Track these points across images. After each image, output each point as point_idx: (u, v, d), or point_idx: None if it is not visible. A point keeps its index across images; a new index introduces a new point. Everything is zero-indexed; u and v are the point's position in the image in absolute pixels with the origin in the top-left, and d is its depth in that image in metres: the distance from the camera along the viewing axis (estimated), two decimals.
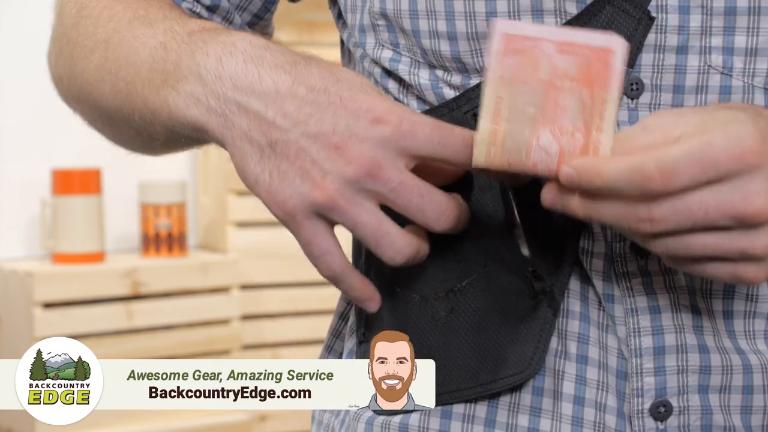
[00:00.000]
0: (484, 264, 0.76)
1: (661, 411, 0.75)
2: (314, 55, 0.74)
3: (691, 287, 0.76)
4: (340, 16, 0.87)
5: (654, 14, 0.73)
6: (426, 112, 0.78)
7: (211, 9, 0.88)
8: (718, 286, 0.76)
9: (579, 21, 0.73)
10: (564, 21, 0.74)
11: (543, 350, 0.76)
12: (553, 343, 0.77)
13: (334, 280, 0.73)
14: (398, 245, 0.71)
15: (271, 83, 0.70)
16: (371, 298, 0.75)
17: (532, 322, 0.75)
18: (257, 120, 0.70)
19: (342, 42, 0.89)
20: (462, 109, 0.76)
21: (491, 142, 0.68)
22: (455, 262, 0.77)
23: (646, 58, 0.73)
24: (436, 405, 0.76)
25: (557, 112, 0.68)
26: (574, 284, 0.76)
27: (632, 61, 0.73)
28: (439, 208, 0.71)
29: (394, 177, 0.69)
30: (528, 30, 0.68)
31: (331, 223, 0.72)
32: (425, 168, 0.72)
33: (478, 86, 0.76)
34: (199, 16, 0.87)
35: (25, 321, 2.40)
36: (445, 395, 0.78)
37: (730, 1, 0.73)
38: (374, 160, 0.69)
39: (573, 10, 0.74)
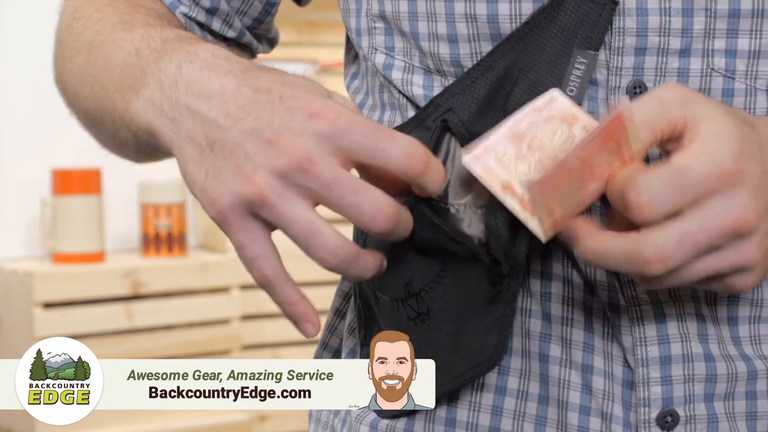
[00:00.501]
0: (443, 259, 0.75)
1: (668, 420, 0.75)
2: (277, 69, 0.72)
3: (696, 295, 0.75)
4: None
5: (658, 18, 0.73)
6: (399, 127, 0.77)
7: (211, 12, 0.88)
8: (722, 294, 0.76)
9: (544, 13, 0.73)
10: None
11: (505, 337, 0.75)
12: (558, 352, 0.77)
13: (267, 288, 0.69)
14: (330, 246, 0.67)
15: (219, 86, 0.69)
16: (308, 319, 0.70)
17: (494, 310, 0.74)
18: (201, 121, 0.69)
19: (347, 39, 0.88)
20: (431, 117, 0.75)
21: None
22: (417, 262, 0.76)
23: (649, 61, 0.73)
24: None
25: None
26: (578, 294, 0.76)
27: (597, 45, 0.73)
28: (375, 206, 0.66)
29: (327, 172, 0.66)
30: (488, 143, 0.69)
31: (269, 226, 0.68)
32: (374, 177, 0.69)
33: (446, 92, 0.75)
34: (196, 21, 0.88)
35: (25, 321, 2.40)
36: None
37: (734, 3, 0.72)
38: (306, 154, 0.66)
39: None
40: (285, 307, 0.70)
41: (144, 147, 0.78)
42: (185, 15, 0.87)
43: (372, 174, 0.69)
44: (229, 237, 0.69)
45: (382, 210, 0.67)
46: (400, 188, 0.70)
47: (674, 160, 0.66)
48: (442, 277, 0.75)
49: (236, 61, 0.71)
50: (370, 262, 0.69)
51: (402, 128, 0.77)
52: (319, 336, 0.79)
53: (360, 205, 0.66)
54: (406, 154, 0.67)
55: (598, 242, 0.67)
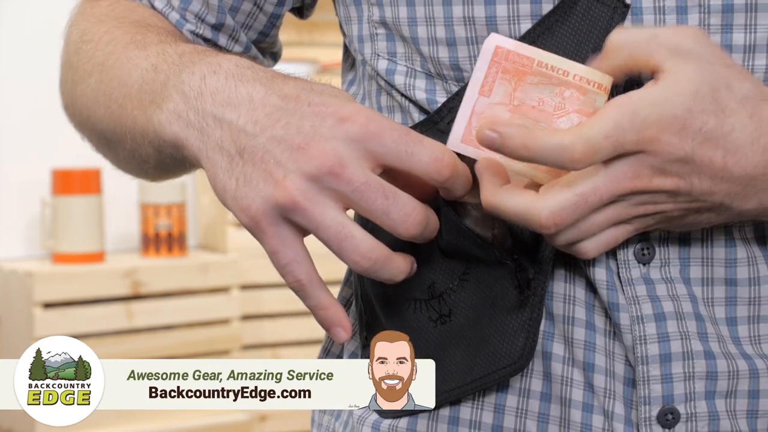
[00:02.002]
0: (467, 262, 0.76)
1: (668, 418, 0.75)
2: (301, 77, 0.73)
3: (693, 296, 0.76)
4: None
5: (652, 16, 0.73)
6: (413, 128, 0.77)
7: (216, 28, 0.88)
8: (719, 294, 0.76)
9: (555, 15, 0.74)
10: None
11: (533, 341, 0.75)
12: (560, 350, 0.77)
13: (300, 293, 0.70)
14: (362, 249, 0.68)
15: (246, 94, 0.70)
16: (340, 324, 0.71)
17: (521, 313, 0.75)
18: (229, 129, 0.69)
19: (345, 47, 0.89)
20: (445, 120, 0.76)
21: None
22: (440, 263, 0.76)
23: None
24: (436, 405, 0.76)
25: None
26: (580, 293, 0.76)
27: None
28: (405, 211, 0.68)
29: (358, 177, 0.67)
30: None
31: (301, 231, 0.69)
32: (401, 180, 0.70)
33: (458, 94, 0.76)
34: (203, 37, 0.88)
35: (25, 321, 2.39)
36: (444, 394, 0.78)
37: None
38: (337, 158, 0.67)
39: None
40: (317, 312, 0.71)
41: (167, 161, 0.78)
42: (192, 32, 0.88)
43: (400, 178, 0.70)
44: (262, 243, 0.70)
45: (411, 214, 0.68)
46: (427, 192, 0.71)
47: (623, 98, 0.68)
48: (465, 280, 0.76)
49: (260, 69, 0.72)
50: (402, 264, 0.70)
51: (415, 128, 0.77)
52: (322, 337, 0.79)
53: (390, 209, 0.67)
54: (434, 158, 0.68)
55: (498, 198, 0.69)
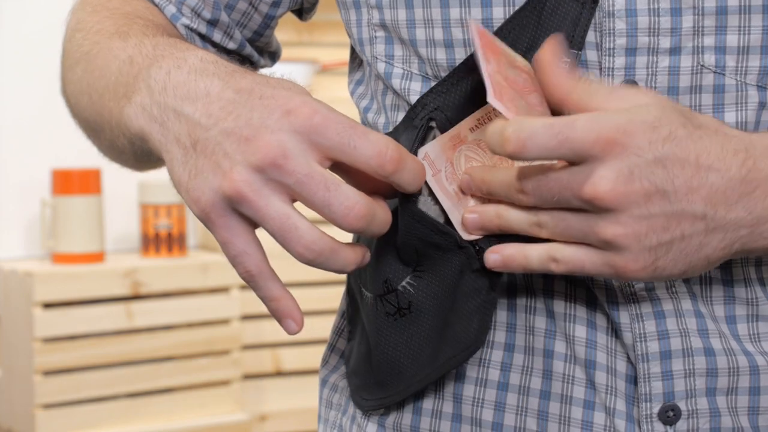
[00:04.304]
0: (421, 254, 0.75)
1: (669, 415, 0.75)
2: (263, 74, 0.73)
3: (692, 293, 0.76)
4: None
5: (647, 18, 0.74)
6: (392, 131, 0.78)
7: (212, 23, 0.89)
8: (717, 293, 0.77)
9: (526, 10, 0.74)
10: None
11: (487, 322, 0.76)
12: (562, 348, 0.77)
13: (251, 283, 0.70)
14: (306, 240, 0.67)
15: (204, 88, 0.70)
16: (290, 316, 0.71)
17: (477, 296, 0.76)
18: (187, 123, 0.70)
19: (352, 47, 0.90)
20: (419, 116, 0.76)
21: None
22: (395, 258, 0.77)
23: (640, 61, 0.74)
24: (405, 396, 0.79)
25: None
26: (580, 292, 0.77)
27: (580, 44, 0.74)
28: (346, 204, 0.67)
29: (300, 168, 0.66)
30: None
31: (251, 223, 0.69)
32: (361, 175, 0.70)
33: (432, 91, 0.76)
34: (198, 32, 0.89)
35: (25, 321, 2.40)
36: (413, 384, 0.78)
37: (721, 0, 0.73)
38: (281, 150, 0.67)
39: None
40: (268, 303, 0.71)
41: (140, 153, 0.79)
42: (187, 27, 0.89)
43: (360, 174, 0.70)
44: (214, 234, 0.70)
45: (354, 207, 0.67)
46: (388, 187, 0.71)
47: (565, 115, 0.68)
48: (421, 272, 0.76)
49: (223, 64, 0.72)
50: (350, 255, 0.70)
51: (394, 130, 0.78)
52: (323, 337, 0.80)
53: (331, 201, 0.67)
54: (377, 152, 0.67)
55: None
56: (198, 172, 0.69)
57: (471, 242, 0.74)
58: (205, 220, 0.69)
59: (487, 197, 0.73)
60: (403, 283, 0.76)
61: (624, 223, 0.67)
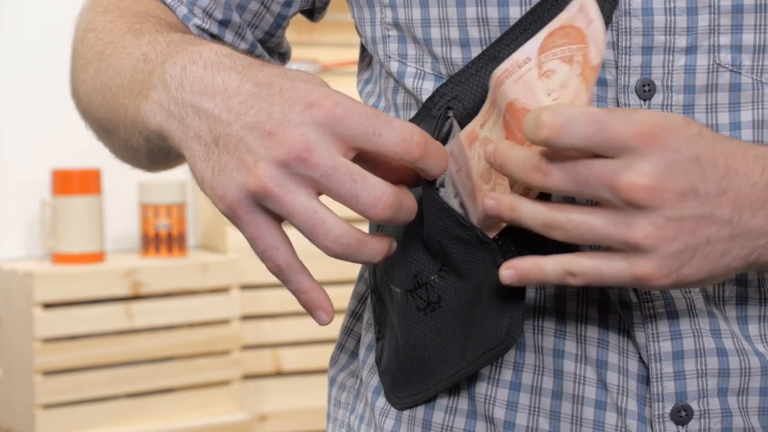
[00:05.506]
0: (449, 249, 0.75)
1: (681, 415, 0.75)
2: (281, 65, 0.73)
3: (705, 294, 0.76)
4: None
5: (663, 17, 0.74)
6: (410, 120, 0.78)
7: (223, 24, 0.89)
8: (730, 293, 0.76)
9: (548, 3, 0.74)
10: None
11: (519, 319, 0.74)
12: (572, 348, 0.77)
13: (281, 277, 0.70)
14: (334, 234, 0.67)
15: (222, 82, 0.70)
16: (321, 307, 0.71)
17: (505, 291, 0.75)
18: (206, 118, 0.70)
19: (362, 46, 0.90)
20: (437, 106, 0.76)
21: None
22: (422, 252, 0.76)
23: (656, 59, 0.74)
24: (436, 391, 0.78)
25: None
26: (592, 291, 0.77)
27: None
28: (374, 195, 0.67)
29: (326, 161, 0.66)
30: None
31: (278, 218, 0.69)
32: (382, 166, 0.70)
33: (450, 81, 0.76)
34: (209, 33, 0.89)
35: (25, 321, 2.39)
36: (444, 380, 0.78)
37: None
38: (305, 144, 0.66)
39: None
40: (299, 296, 0.71)
41: (156, 152, 0.78)
42: (198, 27, 0.89)
43: (380, 164, 0.70)
44: (241, 231, 0.70)
45: (381, 198, 0.67)
46: (409, 176, 0.71)
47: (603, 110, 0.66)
48: (449, 266, 0.76)
49: (238, 57, 0.72)
50: (377, 246, 0.69)
51: (412, 120, 0.77)
52: (323, 337, 0.79)
53: (358, 193, 0.67)
54: (403, 139, 0.67)
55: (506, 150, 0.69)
56: (222, 168, 0.68)
57: (494, 239, 0.74)
58: (232, 216, 0.69)
59: (500, 174, 0.71)
60: (433, 277, 0.76)
61: (656, 224, 0.66)
